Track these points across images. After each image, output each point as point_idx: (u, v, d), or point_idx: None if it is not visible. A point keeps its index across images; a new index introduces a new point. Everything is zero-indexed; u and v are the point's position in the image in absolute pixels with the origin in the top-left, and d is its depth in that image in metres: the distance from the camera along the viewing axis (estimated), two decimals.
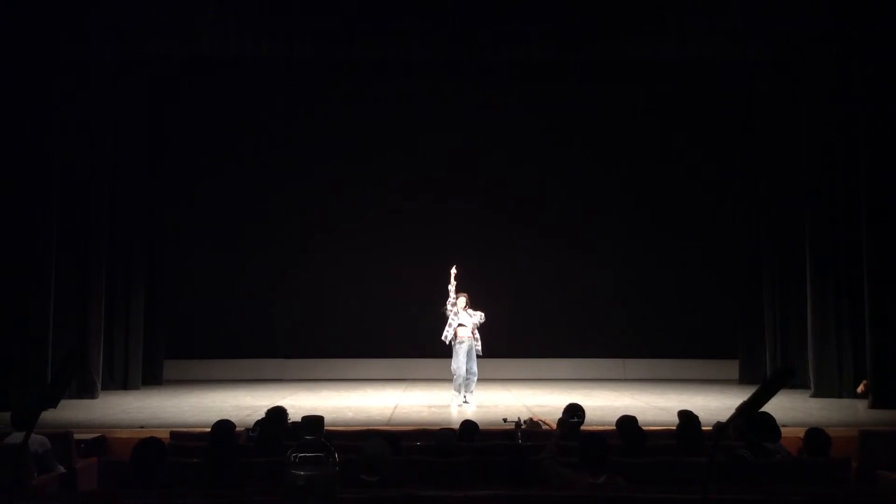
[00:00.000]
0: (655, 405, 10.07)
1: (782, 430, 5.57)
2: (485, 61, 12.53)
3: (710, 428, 6.23)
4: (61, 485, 5.53)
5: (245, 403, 10.27)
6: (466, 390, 10.13)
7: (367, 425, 8.06)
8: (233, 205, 14.51)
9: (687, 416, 5.68)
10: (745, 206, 13.63)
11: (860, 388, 10.85)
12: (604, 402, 10.29)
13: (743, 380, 13.23)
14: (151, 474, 4.36)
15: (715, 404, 10.03)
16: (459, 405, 9.98)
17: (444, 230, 14.36)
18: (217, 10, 10.93)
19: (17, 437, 5.69)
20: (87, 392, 10.82)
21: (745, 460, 4.91)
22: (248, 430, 6.17)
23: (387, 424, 8.40)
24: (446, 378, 10.55)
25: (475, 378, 10.15)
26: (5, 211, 10.29)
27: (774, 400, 2.52)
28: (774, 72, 12.56)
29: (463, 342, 10.05)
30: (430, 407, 10.08)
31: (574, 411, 6.07)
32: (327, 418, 3.40)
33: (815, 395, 11.01)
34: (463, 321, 10.08)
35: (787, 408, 9.16)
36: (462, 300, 10.15)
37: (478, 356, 10.15)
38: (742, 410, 2.47)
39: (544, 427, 7.00)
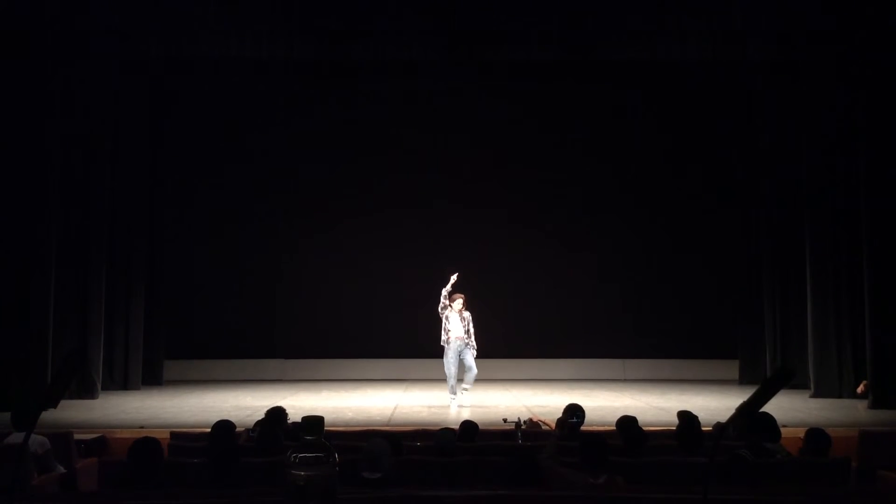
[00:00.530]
0: (655, 405, 10.07)
1: (782, 430, 5.57)
2: (485, 61, 12.52)
3: (711, 428, 6.22)
4: (61, 485, 5.52)
5: (245, 404, 10.27)
6: (464, 382, 10.13)
7: (367, 425, 8.06)
8: (233, 204, 14.51)
9: (687, 417, 5.68)
10: (744, 206, 13.63)
11: (860, 389, 10.85)
12: (604, 403, 10.29)
13: (743, 380, 13.24)
14: (148, 474, 4.36)
15: (715, 404, 10.03)
16: (459, 405, 9.98)
17: (443, 230, 14.37)
18: (217, 10, 10.94)
19: (17, 437, 5.69)
20: (88, 392, 10.82)
21: (746, 460, 4.91)
22: (248, 430, 6.17)
23: (387, 425, 8.40)
24: (446, 379, 10.52)
25: (473, 373, 10.11)
26: (5, 211, 10.29)
27: (774, 400, 2.52)
28: (774, 72, 12.55)
29: (450, 344, 10.04)
30: (430, 407, 10.08)
31: (574, 412, 6.08)
32: (327, 419, 3.39)
33: (815, 396, 11.00)
34: (454, 324, 10.06)
35: (787, 408, 9.15)
36: (458, 302, 10.15)
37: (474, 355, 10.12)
38: (742, 410, 2.47)
39: (544, 427, 7.00)
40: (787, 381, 2.50)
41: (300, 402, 10.50)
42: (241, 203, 14.55)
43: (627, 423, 5.66)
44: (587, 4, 11.13)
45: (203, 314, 14.27)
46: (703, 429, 5.70)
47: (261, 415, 6.66)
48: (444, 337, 10.11)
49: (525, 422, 6.62)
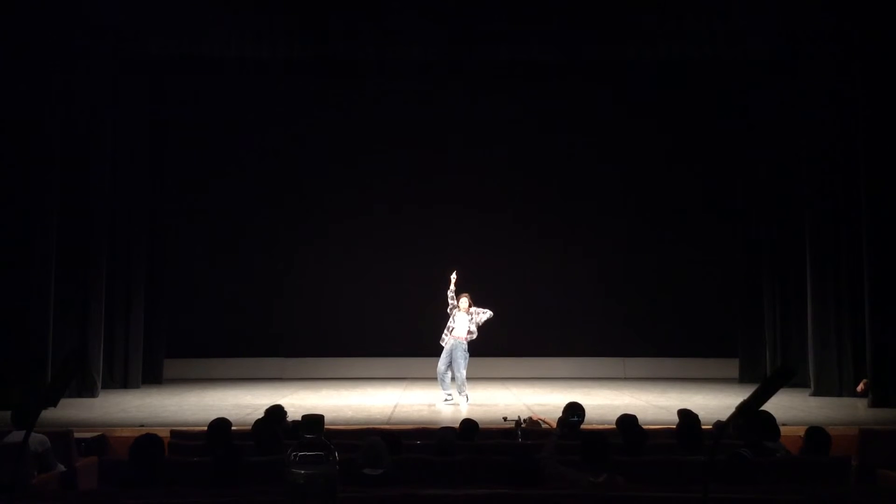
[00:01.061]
0: (655, 404, 10.07)
1: (782, 428, 5.58)
2: (485, 61, 12.53)
3: (711, 427, 6.23)
4: (61, 484, 5.53)
5: (245, 402, 10.27)
6: (459, 393, 10.12)
7: (367, 424, 8.06)
8: (233, 204, 14.51)
9: (687, 415, 5.68)
10: (745, 205, 13.63)
11: (860, 387, 10.85)
12: (604, 401, 10.29)
13: (743, 379, 13.24)
14: (150, 471, 4.36)
15: (715, 403, 10.03)
16: (444, 400, 10.02)
17: (443, 229, 14.38)
18: (217, 9, 10.94)
19: (17, 435, 5.69)
20: (88, 391, 10.84)
21: (746, 459, 4.92)
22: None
23: (387, 423, 8.39)
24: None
25: (459, 383, 10.08)
26: (5, 210, 10.29)
27: (774, 399, 2.51)
28: (774, 71, 12.55)
29: (446, 343, 10.05)
30: (430, 406, 10.08)
31: (574, 410, 6.08)
32: (327, 417, 3.40)
33: (815, 394, 11.01)
34: (458, 323, 10.06)
35: (787, 406, 9.16)
36: (464, 301, 10.14)
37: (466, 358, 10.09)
38: (742, 409, 2.47)
39: (544, 426, 7.01)
40: (788, 380, 2.50)
41: (300, 400, 10.51)
42: (242, 202, 14.55)
43: (628, 422, 5.66)
44: (587, 4, 11.12)
45: (203, 313, 14.27)
46: (703, 427, 5.71)
47: (261, 413, 6.66)
48: (444, 337, 10.10)
49: (525, 420, 6.63)
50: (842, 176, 11.28)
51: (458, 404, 10.02)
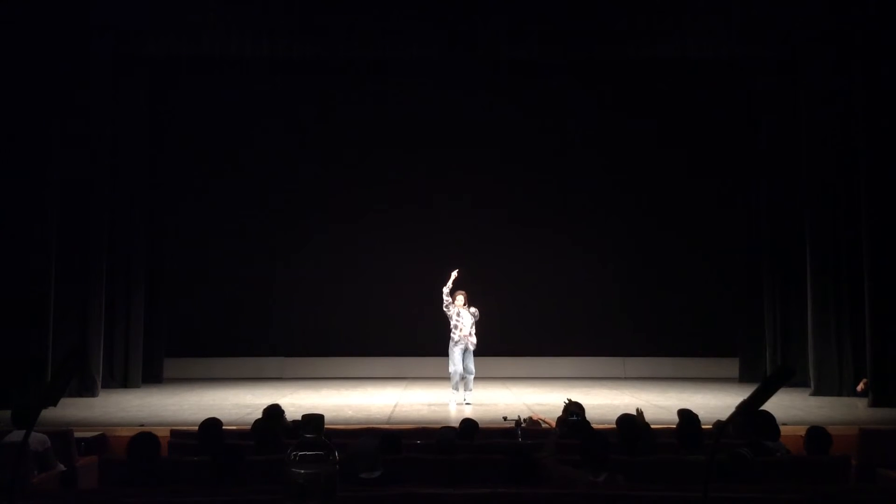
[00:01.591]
0: (655, 403, 10.07)
1: (782, 428, 5.59)
2: (484, 61, 12.53)
3: (711, 426, 6.23)
4: (61, 483, 5.53)
5: (245, 402, 10.27)
6: (465, 389, 10.12)
7: (367, 423, 8.06)
8: (232, 203, 14.50)
9: (687, 415, 5.68)
10: (745, 205, 13.61)
11: (860, 387, 10.85)
12: (604, 401, 10.29)
13: (743, 378, 13.23)
14: (146, 469, 4.36)
15: (715, 403, 10.03)
16: (458, 403, 9.98)
17: (443, 229, 14.37)
18: (217, 9, 10.94)
19: (17, 435, 5.69)
20: (88, 390, 10.84)
21: (746, 458, 4.91)
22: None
23: (387, 423, 8.40)
24: (446, 376, 10.53)
25: (472, 377, 10.12)
26: (6, 210, 10.29)
27: (774, 398, 2.52)
28: (774, 71, 12.54)
29: (457, 342, 10.03)
30: (430, 405, 10.08)
31: (574, 410, 6.08)
32: (328, 416, 3.39)
33: (815, 394, 11.00)
34: (463, 320, 10.06)
35: (787, 406, 9.16)
36: (460, 298, 10.14)
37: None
38: (742, 409, 2.47)
39: (544, 426, 7.01)
40: (787, 380, 2.50)
41: (300, 400, 10.51)
42: (241, 201, 14.54)
43: (627, 421, 5.66)
44: (588, 4, 11.12)
45: (203, 312, 14.27)
46: (704, 427, 5.71)
47: (261, 413, 6.66)
48: (454, 334, 10.06)
49: (525, 420, 6.63)
50: (842, 176, 11.27)
51: (463, 402, 10.03)
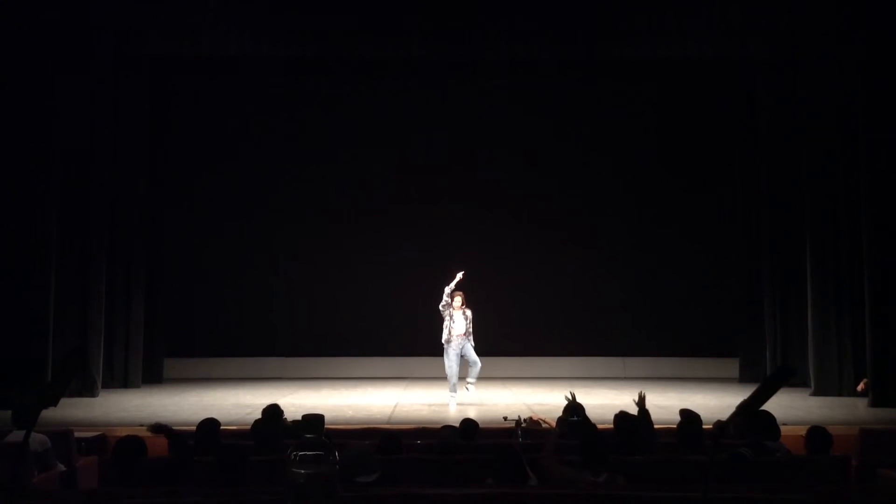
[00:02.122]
0: (655, 404, 10.02)
1: (783, 428, 5.57)
2: (484, 60, 12.53)
3: (711, 426, 6.22)
4: (62, 483, 5.53)
5: (245, 402, 10.27)
6: (469, 376, 10.14)
7: (367, 424, 8.06)
8: (232, 203, 14.51)
9: (688, 415, 5.68)
10: (745, 205, 13.62)
11: (860, 387, 10.84)
12: (604, 401, 10.27)
13: (743, 378, 13.22)
14: (131, 472, 4.36)
15: (715, 403, 10.02)
16: (459, 403, 9.99)
17: (443, 228, 14.38)
18: (217, 9, 10.95)
19: (17, 435, 5.69)
20: (88, 390, 10.84)
21: (746, 459, 4.91)
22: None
23: (387, 423, 8.40)
24: (446, 377, 10.53)
25: (478, 367, 10.13)
26: (6, 210, 10.29)
27: (774, 398, 2.52)
28: (775, 71, 12.54)
29: (451, 342, 10.04)
30: (430, 405, 10.08)
31: (574, 410, 6.08)
32: (328, 417, 3.39)
33: (815, 394, 11.00)
34: (457, 321, 10.07)
35: (787, 406, 9.14)
36: (458, 299, 10.16)
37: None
38: (742, 409, 2.47)
39: (544, 426, 7.00)
40: (788, 380, 2.50)
41: (300, 400, 10.51)
42: (241, 201, 14.55)
43: (624, 419, 5.67)
44: (588, 4, 11.12)
45: (203, 312, 14.27)
46: (704, 427, 5.70)
47: (260, 413, 6.66)
48: (444, 335, 10.11)
49: (525, 420, 6.62)
50: (842, 176, 11.27)
51: (464, 394, 10.04)
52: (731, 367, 13.58)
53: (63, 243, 10.77)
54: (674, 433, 5.73)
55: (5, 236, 10.29)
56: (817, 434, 5.48)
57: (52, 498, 3.98)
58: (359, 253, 14.43)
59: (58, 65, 10.67)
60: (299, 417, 2.24)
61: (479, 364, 10.14)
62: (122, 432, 7.54)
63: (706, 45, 11.43)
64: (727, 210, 14.10)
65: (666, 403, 9.88)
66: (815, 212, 11.51)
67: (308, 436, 2.12)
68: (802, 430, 5.80)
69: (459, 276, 10.14)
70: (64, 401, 8.86)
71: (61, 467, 5.83)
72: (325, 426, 2.19)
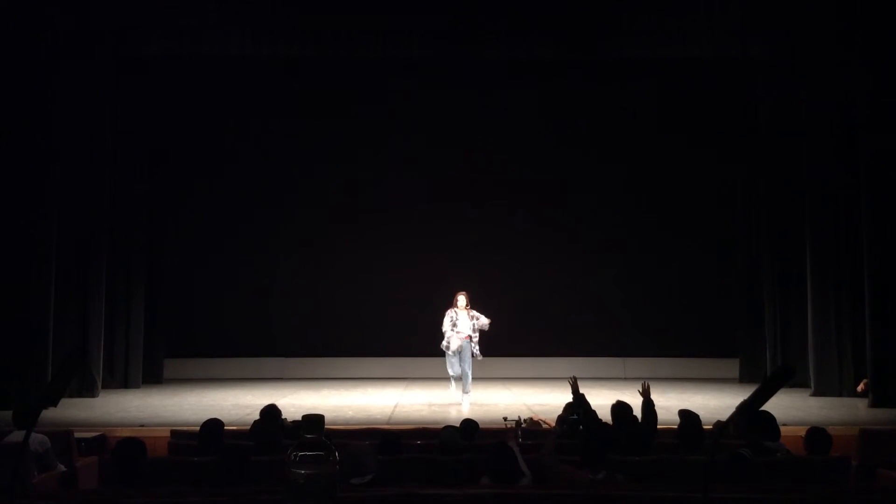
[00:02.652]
0: (656, 404, 10.04)
1: (782, 428, 5.57)
2: (484, 60, 12.54)
3: (711, 427, 6.22)
4: (62, 483, 5.53)
5: (245, 402, 10.27)
6: (463, 391, 10.15)
7: (367, 424, 8.06)
8: (233, 203, 14.51)
9: (688, 415, 5.68)
10: (745, 205, 13.62)
11: (860, 387, 10.85)
12: (604, 401, 10.22)
13: (743, 379, 13.23)
14: (131, 474, 4.36)
15: (715, 403, 10.03)
16: (461, 402, 10.02)
17: (444, 229, 14.38)
18: (217, 10, 10.95)
19: (17, 435, 5.70)
20: (88, 391, 10.85)
21: (746, 459, 4.91)
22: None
23: (387, 423, 8.40)
24: (446, 377, 10.55)
25: (469, 379, 10.13)
26: (5, 210, 10.29)
27: (775, 399, 2.51)
28: (775, 71, 12.55)
29: (450, 347, 10.05)
30: (430, 405, 10.08)
31: (574, 409, 6.08)
32: (328, 417, 3.39)
33: (815, 394, 11.01)
34: (461, 325, 10.06)
35: (787, 406, 9.15)
36: (462, 299, 10.16)
37: (475, 357, 10.12)
38: (742, 409, 2.47)
39: (544, 426, 7.01)
40: (788, 380, 2.50)
41: (300, 400, 10.51)
42: (241, 201, 14.55)
43: (622, 409, 5.68)
44: (588, 4, 11.12)
45: (203, 313, 14.27)
46: (704, 427, 5.70)
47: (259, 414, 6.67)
48: (444, 342, 10.11)
49: (525, 420, 6.62)
50: (842, 175, 11.27)
51: (461, 403, 10.03)
52: (731, 367, 13.58)
53: (63, 243, 10.77)
54: (674, 433, 5.73)
55: (5, 236, 10.28)
56: (817, 434, 5.48)
57: (53, 498, 3.98)
58: (359, 253, 14.43)
59: (58, 64, 10.67)
60: (299, 418, 2.24)
61: (470, 377, 10.13)
62: (123, 432, 7.56)
63: (706, 45, 11.44)
64: (727, 210, 14.10)
65: (666, 404, 9.87)
66: (816, 212, 11.51)
67: (308, 436, 2.11)
68: (802, 431, 5.80)
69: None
70: (64, 401, 8.84)
71: (61, 467, 5.83)
72: (326, 426, 2.19)
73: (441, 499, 3.00)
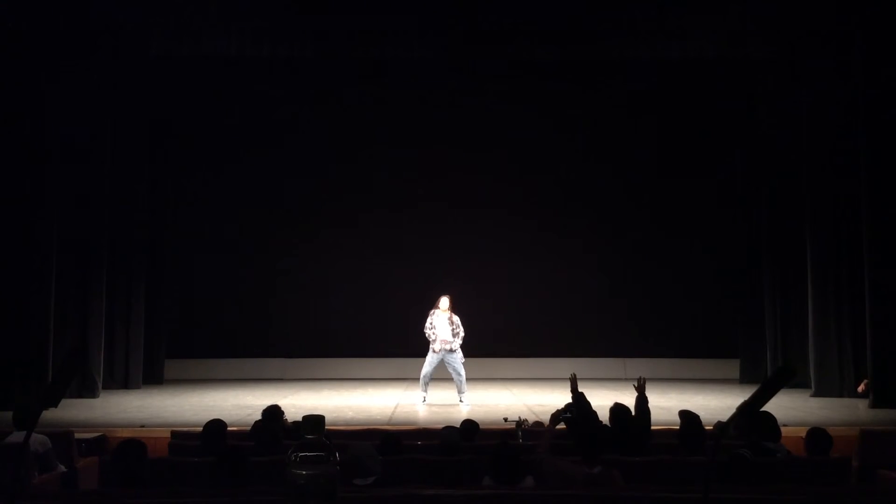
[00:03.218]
0: (656, 404, 9.99)
1: (783, 429, 5.58)
2: (484, 60, 12.54)
3: (711, 427, 6.22)
4: (62, 484, 5.53)
5: (246, 403, 10.27)
6: (458, 391, 10.15)
7: (367, 424, 8.06)
8: (233, 204, 14.51)
9: (688, 416, 5.68)
10: (745, 205, 13.62)
11: (861, 388, 10.85)
12: (604, 402, 10.22)
13: (744, 379, 13.23)
14: (132, 476, 4.36)
15: (715, 403, 10.02)
16: (423, 400, 10.14)
17: (444, 229, 14.38)
18: (218, 9, 10.94)
19: (18, 436, 5.70)
20: (88, 391, 10.84)
21: (746, 460, 4.91)
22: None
23: (388, 424, 8.40)
24: (446, 377, 10.56)
25: (462, 378, 10.12)
26: (5, 210, 10.29)
27: (775, 399, 2.52)
28: (775, 71, 12.55)
29: (436, 349, 10.07)
30: (430, 406, 10.08)
31: (568, 407, 6.08)
32: (328, 417, 3.40)
33: (815, 395, 11.00)
34: (440, 328, 10.06)
35: (787, 407, 9.15)
36: (445, 302, 10.17)
37: (458, 354, 10.12)
38: (743, 410, 2.47)
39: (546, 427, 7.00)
40: (788, 381, 2.50)
41: (301, 401, 10.51)
42: (241, 202, 14.55)
43: (620, 411, 5.69)
44: (588, 4, 11.12)
45: (203, 313, 14.27)
46: (704, 428, 5.71)
47: (260, 414, 6.66)
48: (433, 346, 10.15)
49: (525, 421, 6.62)
50: (843, 175, 11.27)
51: (461, 402, 10.05)
52: (732, 367, 13.58)
53: (63, 244, 10.76)
54: (674, 434, 5.73)
55: (5, 237, 10.28)
56: (818, 435, 5.48)
57: (53, 498, 3.98)
58: (359, 253, 14.43)
59: (58, 64, 10.67)
60: (300, 418, 2.24)
61: (463, 375, 10.11)
62: (123, 433, 7.56)
63: (706, 45, 11.44)
64: (727, 210, 14.11)
65: (666, 404, 9.88)
66: (816, 212, 11.51)
67: (308, 437, 2.12)
68: (803, 431, 5.80)
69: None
70: (64, 402, 8.86)
71: (62, 468, 5.83)
72: (326, 427, 2.19)
73: (441, 499, 3.00)
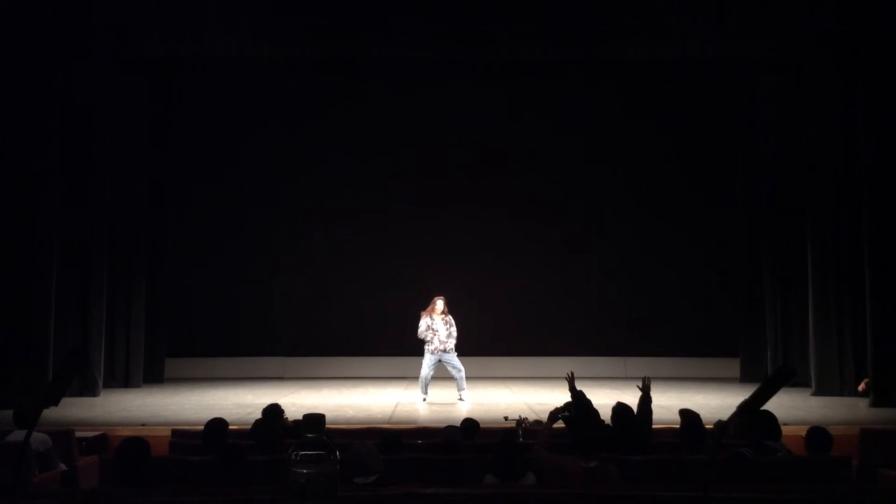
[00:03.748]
0: (656, 403, 9.96)
1: (783, 428, 5.57)
2: (484, 61, 12.53)
3: (712, 426, 6.22)
4: (63, 483, 5.54)
5: (246, 401, 10.28)
6: (458, 388, 10.16)
7: (368, 423, 8.07)
8: (233, 203, 14.51)
9: (689, 415, 5.68)
10: (746, 205, 13.62)
11: (861, 387, 10.84)
12: (604, 401, 10.22)
13: (744, 378, 13.23)
14: (135, 474, 4.36)
15: (716, 402, 10.02)
16: (424, 401, 10.11)
17: (444, 229, 14.39)
18: (218, 10, 10.95)
19: (18, 434, 5.71)
20: (89, 390, 10.85)
21: (747, 458, 4.91)
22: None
23: (388, 422, 8.40)
24: (446, 377, 10.56)
25: (462, 374, 10.14)
26: (7, 210, 10.30)
27: (775, 398, 2.52)
28: (776, 71, 12.54)
29: (433, 350, 10.08)
30: (430, 405, 10.08)
31: (568, 407, 6.08)
32: (329, 416, 3.40)
33: (816, 394, 11.00)
34: (439, 328, 10.07)
35: (788, 406, 9.15)
36: (440, 304, 10.18)
37: (455, 351, 10.14)
38: (743, 409, 2.47)
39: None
40: (789, 380, 2.50)
41: (301, 399, 10.51)
42: (242, 201, 14.56)
43: (623, 411, 5.70)
44: (588, 4, 11.11)
45: (204, 312, 14.28)
46: (705, 427, 5.71)
47: (261, 413, 6.67)
48: (427, 347, 10.16)
49: (525, 420, 6.63)
50: (843, 176, 11.27)
51: (462, 401, 10.07)
52: (732, 366, 13.58)
53: (64, 243, 10.76)
54: (675, 433, 5.73)
55: (6, 237, 10.28)
56: (818, 434, 5.48)
57: (54, 497, 3.98)
58: (359, 252, 14.43)
59: (58, 64, 10.67)
60: (300, 417, 2.24)
61: (463, 370, 10.14)
62: (124, 432, 7.56)
63: (706, 45, 11.43)
64: (728, 210, 14.10)
65: (667, 403, 9.88)
66: (816, 211, 11.51)
67: (309, 435, 2.12)
68: (803, 430, 5.80)
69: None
70: (65, 400, 8.83)
71: (62, 467, 5.83)
72: (326, 426, 2.19)
73: (442, 498, 3.00)
